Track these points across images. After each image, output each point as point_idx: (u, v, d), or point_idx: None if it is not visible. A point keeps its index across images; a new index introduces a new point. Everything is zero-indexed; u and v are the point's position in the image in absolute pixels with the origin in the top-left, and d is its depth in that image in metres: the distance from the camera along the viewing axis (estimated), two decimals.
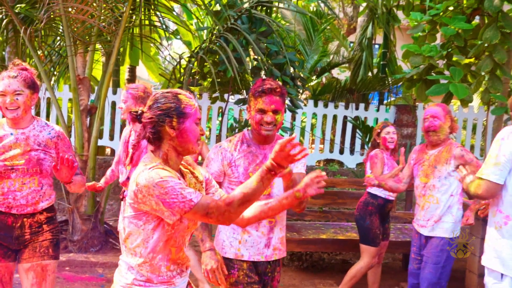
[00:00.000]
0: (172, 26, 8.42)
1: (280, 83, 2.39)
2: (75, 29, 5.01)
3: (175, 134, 1.78)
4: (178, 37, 8.24)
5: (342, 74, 12.19)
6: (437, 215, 3.34)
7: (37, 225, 2.61)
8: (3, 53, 6.06)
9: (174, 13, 6.10)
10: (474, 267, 4.33)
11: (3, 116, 2.57)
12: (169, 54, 7.12)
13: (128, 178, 3.34)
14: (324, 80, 9.57)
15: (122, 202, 3.41)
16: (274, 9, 6.75)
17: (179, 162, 1.86)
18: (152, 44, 7.56)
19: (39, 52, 5.37)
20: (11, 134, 2.54)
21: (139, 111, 1.82)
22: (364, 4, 8.20)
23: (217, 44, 5.28)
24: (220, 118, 7.51)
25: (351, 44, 9.20)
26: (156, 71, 12.36)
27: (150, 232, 1.78)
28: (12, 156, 2.49)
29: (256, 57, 5.33)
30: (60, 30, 5.44)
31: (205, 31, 7.65)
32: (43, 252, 2.60)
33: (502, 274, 2.47)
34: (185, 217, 1.75)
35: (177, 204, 1.66)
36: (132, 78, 10.64)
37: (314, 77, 8.46)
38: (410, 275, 3.60)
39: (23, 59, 5.69)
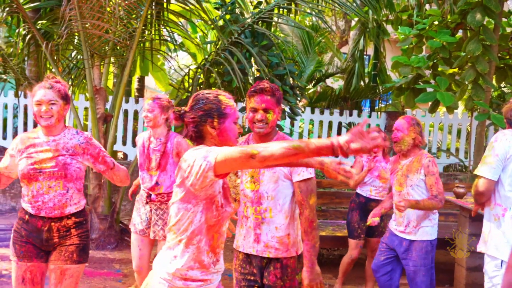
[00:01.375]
0: (178, 38, 8.53)
1: (273, 84, 2.37)
2: (92, 43, 5.09)
3: (216, 133, 1.79)
4: (184, 49, 8.33)
5: (335, 83, 12.31)
6: (415, 220, 3.36)
7: (65, 229, 2.59)
8: (24, 65, 6.15)
9: (181, 27, 6.20)
10: (463, 261, 4.42)
11: (35, 125, 2.66)
12: (178, 65, 7.16)
13: (156, 183, 3.37)
14: (319, 88, 9.67)
15: (147, 206, 3.41)
16: (273, 23, 6.85)
17: None
18: (159, 56, 7.66)
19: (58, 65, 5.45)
20: (44, 141, 2.57)
21: (182, 111, 1.83)
22: (356, 19, 8.31)
23: (222, 56, 5.37)
24: None
25: (344, 55, 9.30)
26: (163, 81, 12.45)
27: (198, 216, 1.75)
28: (41, 160, 2.52)
29: (258, 68, 5.42)
30: (75, 42, 5.53)
31: (209, 44, 7.74)
32: (67, 257, 2.59)
33: (502, 261, 2.60)
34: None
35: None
36: (141, 88, 10.73)
37: (310, 86, 8.56)
38: (376, 270, 3.59)
39: (43, 72, 5.78)
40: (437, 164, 3.35)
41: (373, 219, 3.53)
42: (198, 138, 1.83)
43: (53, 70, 5.22)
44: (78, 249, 2.61)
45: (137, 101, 7.46)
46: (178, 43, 6.82)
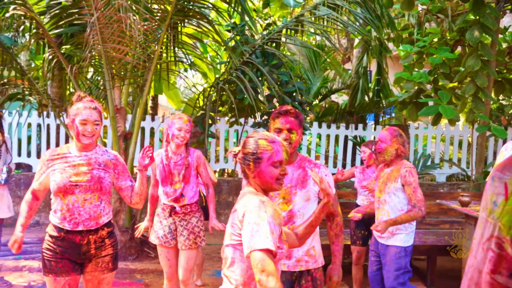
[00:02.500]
0: (190, 58, 8.66)
1: (297, 112, 2.42)
2: (113, 65, 5.20)
3: (253, 175, 1.84)
4: (195, 68, 8.46)
5: (339, 98, 12.38)
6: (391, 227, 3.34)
7: (100, 240, 2.61)
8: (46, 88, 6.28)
9: (194, 49, 6.32)
10: None
11: (58, 143, 2.69)
12: (193, 85, 7.26)
13: (181, 195, 3.42)
14: (324, 103, 9.74)
15: (170, 219, 3.44)
16: (281, 43, 6.96)
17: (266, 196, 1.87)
18: (171, 75, 7.77)
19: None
20: (76, 156, 2.59)
21: (236, 151, 1.91)
22: (359, 38, 8.41)
23: (234, 75, 5.46)
24: (234, 140, 7.67)
25: (349, 72, 9.39)
26: (175, 99, 12.59)
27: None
28: (76, 173, 2.53)
29: (269, 86, 5.51)
30: (97, 65, 5.64)
31: (221, 64, 7.87)
32: (104, 267, 2.62)
33: None
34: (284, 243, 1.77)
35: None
36: (155, 106, 10.88)
37: (316, 101, 8.64)
38: (372, 280, 3.61)
39: (65, 93, 5.90)
40: (415, 174, 3.30)
41: (354, 214, 3.72)
42: (246, 177, 1.90)
43: (76, 91, 5.32)
44: (112, 258, 2.66)
45: (153, 119, 7.57)
46: (191, 63, 6.92)
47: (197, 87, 10.65)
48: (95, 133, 2.55)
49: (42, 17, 5.40)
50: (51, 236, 2.55)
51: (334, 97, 11.04)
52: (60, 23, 5.49)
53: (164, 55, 5.74)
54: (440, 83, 6.75)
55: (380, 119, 8.54)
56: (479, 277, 0.82)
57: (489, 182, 0.85)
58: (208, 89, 6.11)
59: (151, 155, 2.60)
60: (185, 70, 7.08)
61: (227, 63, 5.71)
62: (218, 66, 8.96)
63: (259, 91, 5.47)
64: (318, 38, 12.18)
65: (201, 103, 6.06)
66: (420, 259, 5.80)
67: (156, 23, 4.99)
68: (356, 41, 9.19)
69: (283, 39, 6.17)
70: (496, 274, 0.79)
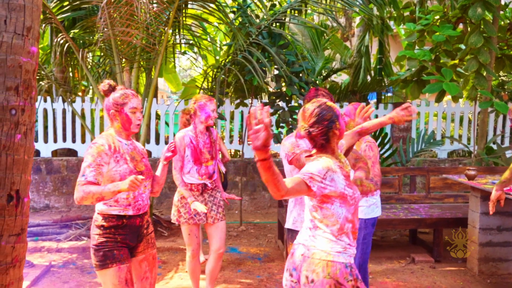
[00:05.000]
0: (190, 41, 8.69)
1: (331, 95, 2.59)
2: (122, 49, 5.26)
3: (339, 132, 2.09)
4: (199, 50, 8.50)
5: (338, 78, 12.48)
6: None
7: (147, 219, 2.70)
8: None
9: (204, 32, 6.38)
10: (475, 238, 4.62)
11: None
12: (200, 67, 7.32)
13: (214, 172, 3.59)
14: (325, 83, 9.85)
15: (200, 197, 3.54)
16: (285, 24, 7.02)
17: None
18: (170, 59, 7.80)
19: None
20: (126, 144, 2.59)
21: (308, 129, 2.07)
22: (359, 17, 8.48)
23: (240, 56, 5.54)
24: (241, 122, 7.78)
25: (350, 51, 9.47)
26: (173, 82, 12.66)
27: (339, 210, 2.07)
28: (137, 162, 2.57)
29: (276, 66, 5.61)
30: (105, 49, 5.69)
31: (225, 46, 7.93)
32: (152, 243, 2.70)
33: None
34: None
35: None
36: (154, 89, 10.90)
37: (319, 81, 8.74)
38: None
39: (74, 78, 5.96)
40: (376, 148, 3.38)
41: None
42: (326, 143, 2.09)
43: (89, 76, 5.39)
44: (154, 234, 2.77)
45: (157, 102, 7.66)
46: (193, 45, 6.95)
47: (198, 69, 10.69)
48: (141, 121, 2.62)
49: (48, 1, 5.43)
50: (109, 227, 2.51)
51: (333, 76, 11.14)
52: (66, 7, 5.52)
53: (172, 37, 5.80)
54: (441, 61, 6.87)
55: (382, 98, 8.68)
56: None
57: None
58: (215, 70, 6.20)
59: (174, 149, 2.72)
60: (183, 53, 7.11)
61: (234, 44, 5.77)
62: (220, 48, 9.00)
63: (267, 71, 5.57)
64: (316, 18, 12.23)
65: (206, 85, 6.15)
66: (425, 233, 6.03)
67: (165, 5, 5.04)
68: (357, 20, 9.25)
69: (287, 19, 6.24)
70: None
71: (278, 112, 6.01)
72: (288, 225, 2.95)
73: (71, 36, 5.48)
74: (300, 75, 5.80)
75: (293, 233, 2.85)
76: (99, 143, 2.47)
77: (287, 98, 5.88)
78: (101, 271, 2.50)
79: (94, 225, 2.55)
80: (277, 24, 6.11)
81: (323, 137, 2.07)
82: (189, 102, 7.35)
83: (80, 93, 9.03)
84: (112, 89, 2.58)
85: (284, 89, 5.98)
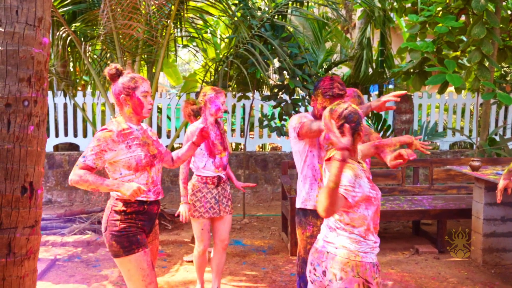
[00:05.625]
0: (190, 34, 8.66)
1: (345, 86, 2.61)
2: (124, 42, 5.25)
3: (361, 135, 2.17)
4: (201, 43, 8.47)
5: (338, 70, 12.46)
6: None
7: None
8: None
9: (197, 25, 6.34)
10: (479, 228, 4.64)
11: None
12: (202, 60, 7.29)
13: (227, 163, 3.62)
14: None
15: (214, 190, 3.54)
16: (286, 16, 7.00)
17: None
18: (170, 53, 7.80)
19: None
20: (137, 130, 2.55)
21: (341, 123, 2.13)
22: (360, 9, 8.46)
23: (242, 49, 5.51)
24: (243, 115, 7.78)
25: (351, 44, 9.45)
26: (173, 76, 12.63)
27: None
28: (149, 146, 2.54)
29: (279, 59, 5.59)
30: (107, 42, 5.68)
31: (225, 40, 7.90)
32: (157, 234, 2.70)
33: None
34: None
35: None
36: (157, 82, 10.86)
37: (320, 74, 8.72)
38: None
39: (75, 72, 5.94)
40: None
41: None
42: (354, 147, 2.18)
43: (91, 69, 5.38)
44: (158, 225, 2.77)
45: (160, 96, 7.65)
46: (194, 37, 6.89)
47: (198, 63, 10.65)
48: (152, 105, 2.59)
49: None
50: (130, 213, 2.47)
51: (333, 69, 11.12)
52: (67, 1, 5.50)
53: (173, 30, 5.78)
54: (443, 53, 6.86)
55: (384, 90, 8.67)
56: None
57: None
58: (217, 63, 6.18)
59: (206, 133, 2.71)
60: (185, 46, 7.09)
61: (236, 37, 5.75)
62: (221, 41, 8.97)
63: (270, 64, 5.55)
64: (316, 10, 12.18)
65: (208, 78, 6.14)
66: (428, 224, 6.05)
67: None
68: (358, 12, 9.23)
69: (289, 11, 6.22)
70: None
71: (281, 105, 6.01)
72: (298, 204, 2.95)
73: (72, 29, 5.46)
74: (303, 67, 5.78)
75: (303, 213, 2.88)
76: (108, 128, 2.45)
77: (290, 91, 5.87)
78: (126, 258, 2.44)
79: (113, 211, 2.48)
80: (279, 16, 6.09)
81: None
82: (191, 95, 7.37)
83: (80, 88, 9.00)
84: (119, 73, 2.53)
85: (287, 81, 5.96)
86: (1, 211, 1.75)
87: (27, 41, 1.81)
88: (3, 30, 1.75)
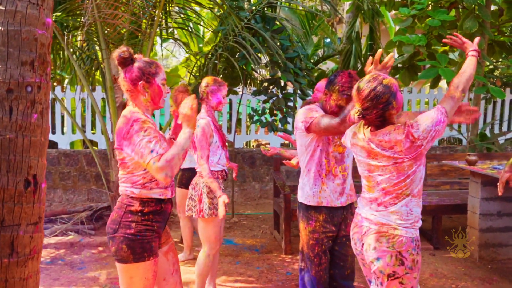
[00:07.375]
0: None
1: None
2: (109, 34, 5.10)
3: (396, 110, 2.14)
4: (177, 36, 8.33)
5: (324, 66, 12.50)
6: None
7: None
8: None
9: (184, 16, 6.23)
10: (475, 223, 4.70)
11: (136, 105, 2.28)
12: (190, 53, 7.14)
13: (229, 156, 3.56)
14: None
15: (222, 185, 3.44)
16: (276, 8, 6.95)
17: None
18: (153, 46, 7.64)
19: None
20: (152, 122, 2.35)
21: (362, 112, 2.10)
22: (349, 2, 8.47)
23: (233, 41, 5.42)
24: (229, 111, 7.69)
25: (336, 37, 9.47)
26: None
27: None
28: (161, 135, 2.35)
29: (271, 52, 5.53)
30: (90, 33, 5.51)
31: (209, 33, 7.80)
32: (169, 232, 2.51)
33: None
34: None
35: None
36: None
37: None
38: None
39: (56, 64, 5.75)
40: None
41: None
42: (384, 124, 2.15)
43: (73, 62, 5.21)
44: None
45: None
46: (190, 30, 6.67)
47: (180, 57, 10.52)
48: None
49: None
50: (147, 213, 2.27)
51: (319, 64, 11.13)
52: None
53: (161, 21, 5.65)
54: (433, 47, 6.92)
55: None
56: None
57: None
58: (205, 56, 6.08)
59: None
60: (175, 39, 6.91)
61: (225, 29, 5.66)
62: (202, 34, 8.86)
63: (261, 57, 5.49)
64: (304, 5, 12.18)
65: (195, 72, 6.03)
66: (423, 221, 6.09)
67: None
68: (345, 6, 9.25)
69: (279, 3, 6.17)
70: None
71: (272, 99, 5.95)
72: (301, 199, 2.91)
73: (53, 19, 5.27)
74: (295, 61, 5.74)
75: (305, 207, 2.85)
76: (142, 118, 2.21)
77: (281, 85, 5.83)
78: (134, 265, 2.23)
79: (128, 211, 2.25)
80: (269, 8, 6.03)
81: (379, 118, 2.11)
82: (181, 82, 7.23)
83: (56, 83, 8.75)
84: (132, 58, 2.27)
85: (278, 75, 5.92)
86: (3, 206, 1.63)
87: (29, 21, 1.70)
88: (3, 8, 1.63)
